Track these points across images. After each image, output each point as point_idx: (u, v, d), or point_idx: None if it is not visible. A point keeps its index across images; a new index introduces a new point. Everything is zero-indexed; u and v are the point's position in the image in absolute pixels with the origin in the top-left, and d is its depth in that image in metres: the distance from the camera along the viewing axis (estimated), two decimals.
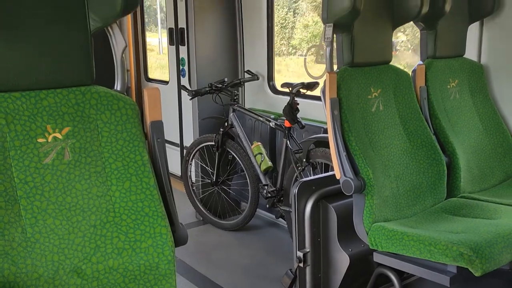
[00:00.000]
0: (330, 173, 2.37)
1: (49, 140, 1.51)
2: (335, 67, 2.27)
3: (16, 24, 1.48)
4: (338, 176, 2.16)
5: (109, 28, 1.68)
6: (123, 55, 1.74)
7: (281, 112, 3.57)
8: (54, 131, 1.52)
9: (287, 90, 3.57)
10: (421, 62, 2.60)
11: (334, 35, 2.23)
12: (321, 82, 3.60)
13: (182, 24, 4.88)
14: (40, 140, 1.50)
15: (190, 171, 4.25)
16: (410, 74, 2.51)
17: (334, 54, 2.28)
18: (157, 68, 5.96)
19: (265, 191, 3.65)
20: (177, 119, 4.98)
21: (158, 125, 1.69)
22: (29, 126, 1.49)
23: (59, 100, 1.54)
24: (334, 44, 2.26)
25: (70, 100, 1.56)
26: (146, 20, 5.89)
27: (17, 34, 1.48)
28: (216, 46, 4.29)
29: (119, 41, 1.70)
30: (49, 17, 1.53)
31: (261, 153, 3.68)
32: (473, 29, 2.74)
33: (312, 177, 2.44)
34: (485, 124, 2.66)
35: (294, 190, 2.30)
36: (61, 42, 1.55)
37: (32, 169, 1.48)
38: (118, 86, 1.75)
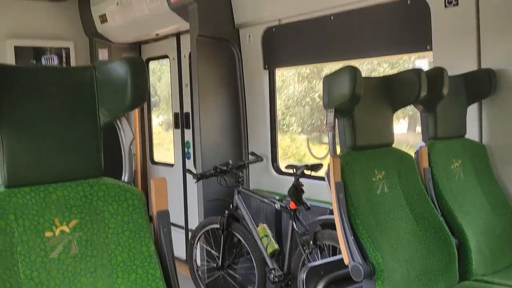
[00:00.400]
0: (338, 256, 2.33)
1: (56, 233, 1.51)
2: (338, 150, 2.31)
3: (26, 120, 1.52)
4: (346, 262, 2.12)
5: (117, 121, 1.74)
6: (131, 146, 1.78)
7: (286, 193, 3.57)
8: (61, 224, 1.52)
9: (291, 171, 3.59)
10: (423, 144, 2.63)
11: (336, 120, 2.29)
12: (323, 161, 3.64)
13: (187, 108, 5.02)
14: (47, 234, 1.50)
15: (195, 255, 4.18)
16: (413, 155, 2.54)
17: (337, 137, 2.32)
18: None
19: (272, 275, 3.56)
20: (182, 201, 4.98)
21: (164, 215, 1.69)
22: (37, 221, 1.49)
23: (68, 193, 1.56)
24: (336, 129, 2.31)
25: (78, 192, 1.57)
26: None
27: (27, 130, 1.52)
28: (221, 129, 4.38)
29: (127, 134, 1.75)
30: (60, 113, 1.58)
31: (267, 236, 3.63)
32: (472, 110, 2.80)
33: (320, 262, 2.40)
34: (492, 204, 2.64)
35: (302, 276, 2.25)
36: (71, 137, 1.59)
37: (38, 264, 1.47)
38: (125, 177, 1.77)
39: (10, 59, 5.04)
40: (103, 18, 5.12)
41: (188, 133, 5.07)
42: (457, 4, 2.75)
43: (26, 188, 1.51)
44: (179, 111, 5.20)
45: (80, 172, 1.60)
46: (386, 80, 2.44)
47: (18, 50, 5.11)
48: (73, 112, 1.60)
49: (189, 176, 4.54)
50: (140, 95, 1.64)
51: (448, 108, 2.66)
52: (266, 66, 4.16)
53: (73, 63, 5.42)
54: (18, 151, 1.50)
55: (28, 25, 5.19)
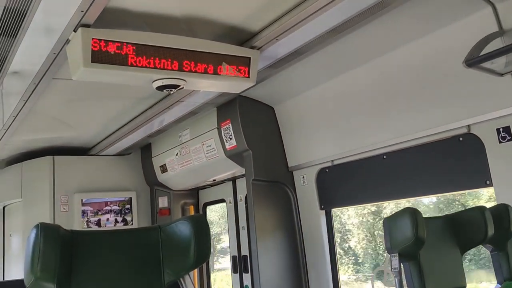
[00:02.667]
0: None
1: None
2: None
3: (94, 284, 1.56)
4: None
5: (181, 280, 1.75)
6: None
7: None
8: None
9: None
10: (499, 285, 2.45)
11: (401, 264, 2.20)
12: None
13: (245, 251, 5.00)
14: None
15: None
16: None
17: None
18: None
19: None
20: None
21: None
22: None
23: None
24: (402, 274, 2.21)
25: None
26: None
27: None
28: (280, 271, 4.27)
29: None
30: (126, 274, 1.61)
31: None
32: None
33: None
34: None
35: None
36: None
37: None
38: None
39: (77, 211, 5.33)
40: (163, 168, 5.42)
41: (246, 277, 4.98)
42: (511, 139, 2.74)
43: None
44: (236, 254, 5.18)
45: None
46: (449, 220, 2.37)
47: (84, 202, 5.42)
48: (138, 273, 1.63)
49: None
50: (204, 254, 1.67)
51: None
52: (322, 206, 4.16)
53: (134, 211, 5.65)
54: None
55: (95, 179, 5.56)
